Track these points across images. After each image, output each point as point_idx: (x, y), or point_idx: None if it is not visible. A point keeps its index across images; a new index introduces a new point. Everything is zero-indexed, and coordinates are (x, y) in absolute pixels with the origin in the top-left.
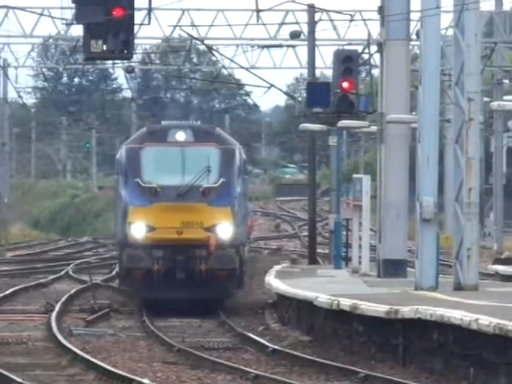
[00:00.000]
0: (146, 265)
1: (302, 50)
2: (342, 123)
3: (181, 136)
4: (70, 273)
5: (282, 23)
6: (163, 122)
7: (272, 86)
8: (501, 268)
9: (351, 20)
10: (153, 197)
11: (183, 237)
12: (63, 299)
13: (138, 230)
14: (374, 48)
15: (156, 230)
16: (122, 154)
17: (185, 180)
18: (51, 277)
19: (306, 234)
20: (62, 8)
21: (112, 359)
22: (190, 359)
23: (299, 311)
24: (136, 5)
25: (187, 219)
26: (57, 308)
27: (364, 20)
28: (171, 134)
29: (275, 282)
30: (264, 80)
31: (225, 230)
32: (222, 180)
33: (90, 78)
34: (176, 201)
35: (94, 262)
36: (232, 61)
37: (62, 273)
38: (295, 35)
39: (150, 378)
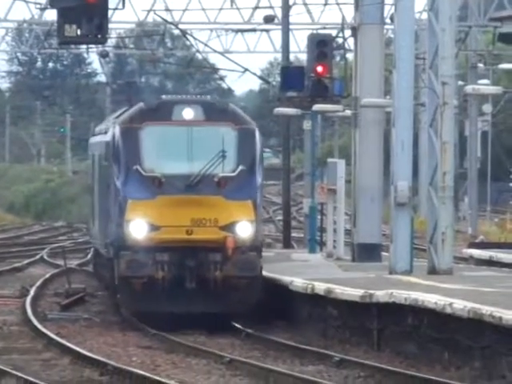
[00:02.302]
0: (149, 272)
1: (276, 34)
2: (317, 107)
3: (189, 113)
4: (45, 257)
5: (256, 7)
6: (164, 97)
7: (246, 70)
8: (475, 252)
9: (325, 4)
10: (156, 188)
11: (194, 237)
12: (38, 283)
13: (139, 229)
14: (348, 32)
15: (160, 230)
16: (115, 135)
17: (195, 168)
18: (26, 261)
19: (280, 218)
20: None
21: (87, 343)
22: (165, 343)
23: (274, 295)
24: None
25: (199, 216)
26: (32, 292)
27: (338, 4)
28: (177, 110)
29: None
30: (238, 64)
31: (245, 228)
32: (240, 168)
33: (65, 62)
34: (185, 193)
35: (69, 246)
36: (206, 45)
37: (37, 257)
38: (269, 19)
39: (124, 363)
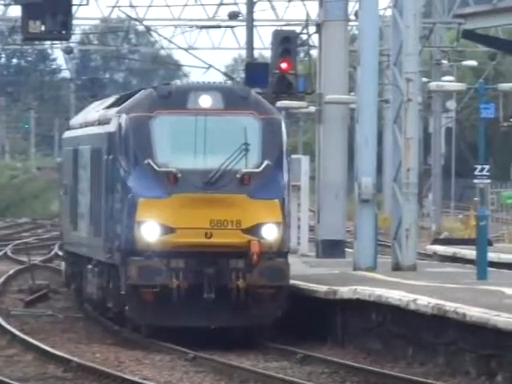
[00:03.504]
0: (162, 280)
1: (241, 31)
2: (281, 104)
3: (206, 101)
4: (9, 253)
5: (221, 4)
6: (178, 82)
7: (210, 66)
8: (439, 248)
9: (290, 0)
10: (171, 185)
11: (213, 241)
12: (1, 280)
13: (151, 231)
14: (312, 29)
15: (176, 232)
16: (122, 125)
17: (215, 162)
18: None
19: None
20: None
21: (50, 340)
22: (129, 340)
23: None
24: None
25: (219, 217)
26: None
27: (302, 0)
28: (193, 98)
29: None
30: (202, 61)
31: (272, 232)
32: (266, 163)
33: (29, 58)
34: (203, 191)
35: (33, 242)
36: (170, 41)
37: (1, 253)
38: (233, 16)
39: (88, 359)
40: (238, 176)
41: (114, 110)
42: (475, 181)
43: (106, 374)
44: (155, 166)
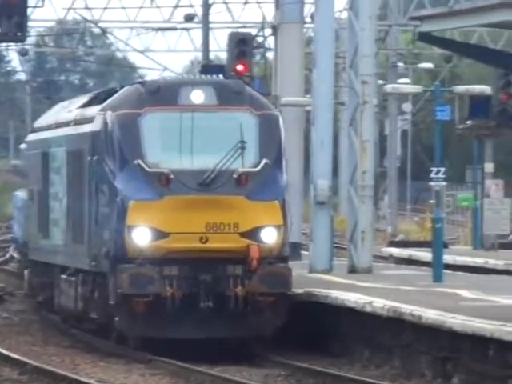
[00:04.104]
0: (155, 289)
1: (197, 33)
2: None
3: (199, 96)
4: None
5: (177, 6)
6: (168, 77)
7: (166, 68)
8: (395, 251)
9: (245, 3)
10: (163, 187)
11: (210, 246)
12: None
13: (143, 236)
14: (268, 31)
15: (169, 237)
16: (108, 123)
17: (210, 162)
18: None
19: None
20: None
21: (6, 343)
22: (85, 343)
23: None
24: None
25: (215, 220)
26: None
27: (258, 3)
28: (184, 93)
29: None
30: (158, 63)
31: (272, 235)
32: (264, 162)
33: None
34: (198, 193)
35: None
36: (126, 44)
37: None
38: (189, 18)
39: (44, 362)
40: (234, 176)
41: (95, 108)
42: (431, 183)
43: (62, 377)
44: (146, 167)
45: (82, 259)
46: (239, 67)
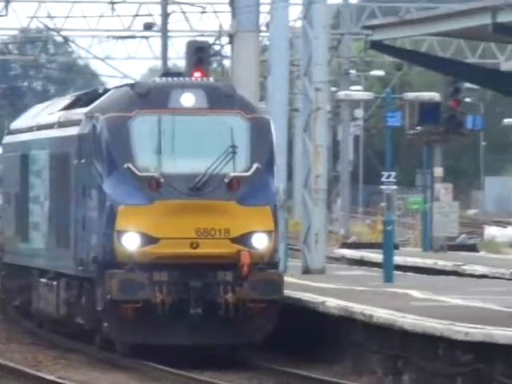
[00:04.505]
0: (145, 295)
1: (156, 41)
2: None
3: (189, 99)
4: None
5: (136, 15)
6: (158, 79)
7: (126, 76)
8: (347, 252)
9: (203, 12)
10: (154, 192)
11: (200, 252)
12: None
13: (132, 242)
14: (225, 39)
15: (159, 243)
16: (97, 126)
17: (201, 166)
18: None
19: None
20: None
21: None
22: (47, 340)
23: None
24: None
25: (206, 225)
26: None
27: (216, 12)
28: (174, 96)
29: None
30: (118, 70)
31: (263, 241)
32: (255, 166)
33: None
34: (189, 197)
35: None
36: (88, 51)
37: None
38: (148, 27)
39: (6, 359)
40: (225, 181)
41: (80, 110)
42: (382, 187)
43: (25, 374)
44: (136, 171)
45: (68, 264)
46: (197, 74)
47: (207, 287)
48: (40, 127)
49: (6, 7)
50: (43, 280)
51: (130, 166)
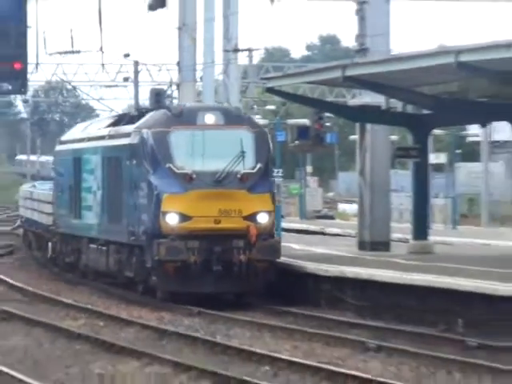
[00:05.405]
0: (183, 257)
1: (131, 88)
2: None
3: (210, 118)
4: None
5: (119, 71)
6: (187, 104)
7: (112, 110)
8: None
9: (160, 69)
10: (187, 184)
11: (221, 226)
12: None
13: (173, 219)
14: (174, 87)
15: (192, 220)
16: (145, 138)
17: (221, 165)
18: None
19: None
20: None
21: (15, 277)
22: (67, 277)
23: None
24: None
25: (225, 207)
26: None
27: (168, 69)
28: (200, 116)
29: None
30: (107, 106)
31: (265, 218)
32: (259, 165)
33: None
34: (213, 187)
35: (4, 219)
36: (87, 95)
37: None
38: (126, 79)
39: (38, 289)
40: (238, 176)
41: (128, 126)
42: (274, 179)
43: (50, 298)
44: (174, 169)
45: (120, 235)
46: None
47: (226, 251)
48: (91, 138)
49: (37, 67)
50: (93, 245)
51: (171, 165)
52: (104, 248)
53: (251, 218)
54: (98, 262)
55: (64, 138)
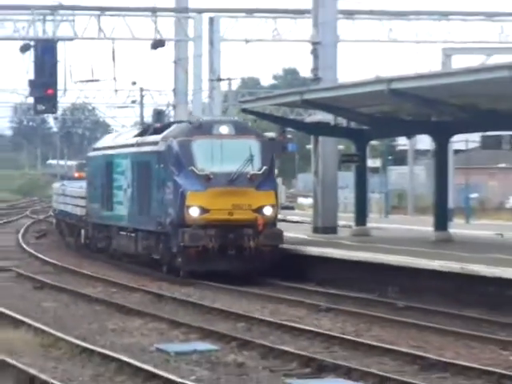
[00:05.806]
0: (203, 242)
1: (137, 109)
2: None
3: (224, 129)
4: (28, 214)
5: (128, 96)
6: (205, 118)
7: (124, 126)
8: None
9: (160, 94)
10: (207, 183)
11: (234, 217)
12: (25, 227)
13: (195, 212)
14: (171, 107)
15: (210, 212)
16: (171, 145)
17: (234, 167)
18: (18, 216)
19: None
20: None
21: (48, 254)
22: (88, 254)
23: None
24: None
25: (237, 202)
26: (21, 231)
27: (166, 94)
28: (215, 127)
29: None
30: (119, 123)
31: (270, 210)
32: (264, 167)
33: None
34: (227, 186)
35: (39, 209)
36: (104, 114)
37: (24, 214)
38: (133, 101)
39: (65, 263)
40: (248, 176)
41: (155, 136)
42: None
43: (73, 270)
44: (196, 171)
45: (148, 224)
46: (157, 124)
47: (238, 238)
48: (121, 146)
49: (65, 92)
50: (123, 233)
51: (193, 168)
52: (133, 235)
53: (258, 210)
54: (127, 246)
55: (96, 145)
